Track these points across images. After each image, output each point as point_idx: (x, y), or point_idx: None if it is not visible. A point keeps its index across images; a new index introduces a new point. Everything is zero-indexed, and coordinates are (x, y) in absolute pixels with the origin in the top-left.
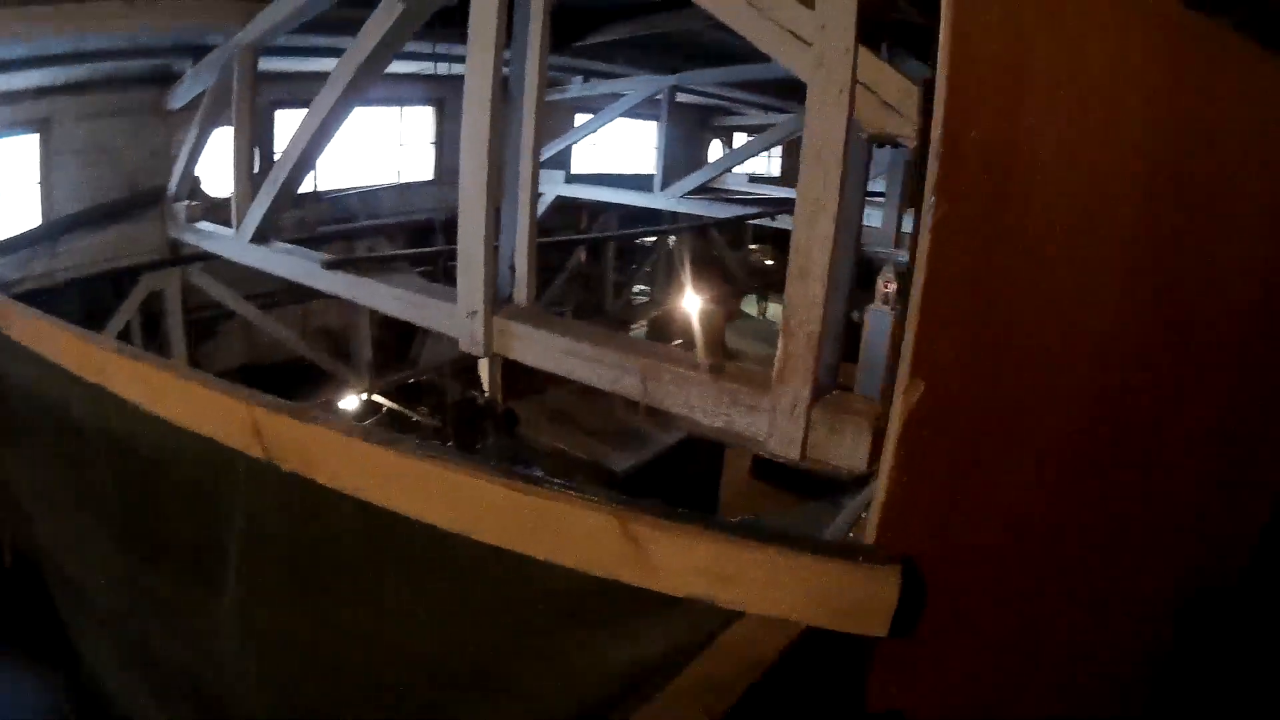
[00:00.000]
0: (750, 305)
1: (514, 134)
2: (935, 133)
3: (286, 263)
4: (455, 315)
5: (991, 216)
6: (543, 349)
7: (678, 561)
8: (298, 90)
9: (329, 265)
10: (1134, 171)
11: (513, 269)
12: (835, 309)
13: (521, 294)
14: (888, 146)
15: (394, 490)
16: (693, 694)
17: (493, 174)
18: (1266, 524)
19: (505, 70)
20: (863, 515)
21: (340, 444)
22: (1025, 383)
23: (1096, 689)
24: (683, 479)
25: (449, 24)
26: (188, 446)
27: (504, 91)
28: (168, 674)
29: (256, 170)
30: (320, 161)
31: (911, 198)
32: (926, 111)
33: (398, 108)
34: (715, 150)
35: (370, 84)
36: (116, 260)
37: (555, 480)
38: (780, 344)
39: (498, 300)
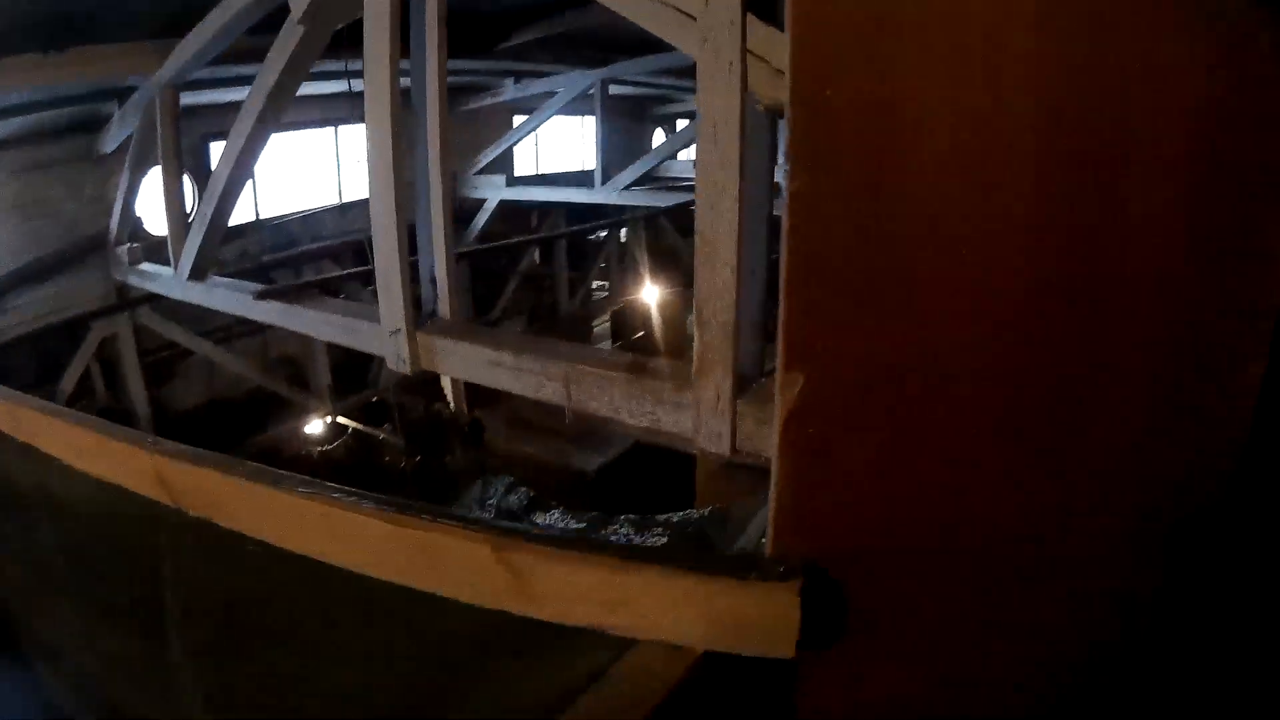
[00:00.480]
0: None
1: (420, 145)
2: (787, 95)
3: (223, 296)
4: (381, 335)
5: (864, 184)
6: (466, 362)
7: (561, 590)
8: (228, 122)
9: (260, 296)
10: (1031, 122)
11: (434, 283)
12: (750, 295)
13: (445, 308)
14: None
15: (286, 530)
16: None
17: (400, 188)
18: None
19: (406, 82)
20: None
21: (233, 486)
22: (923, 364)
23: (1048, 673)
24: (656, 472)
25: (358, 41)
26: (115, 501)
27: (407, 103)
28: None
29: (194, 205)
30: (260, 190)
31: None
32: None
33: (332, 128)
34: (659, 139)
35: (285, 108)
36: (65, 311)
37: (436, 509)
38: (695, 337)
39: (421, 316)
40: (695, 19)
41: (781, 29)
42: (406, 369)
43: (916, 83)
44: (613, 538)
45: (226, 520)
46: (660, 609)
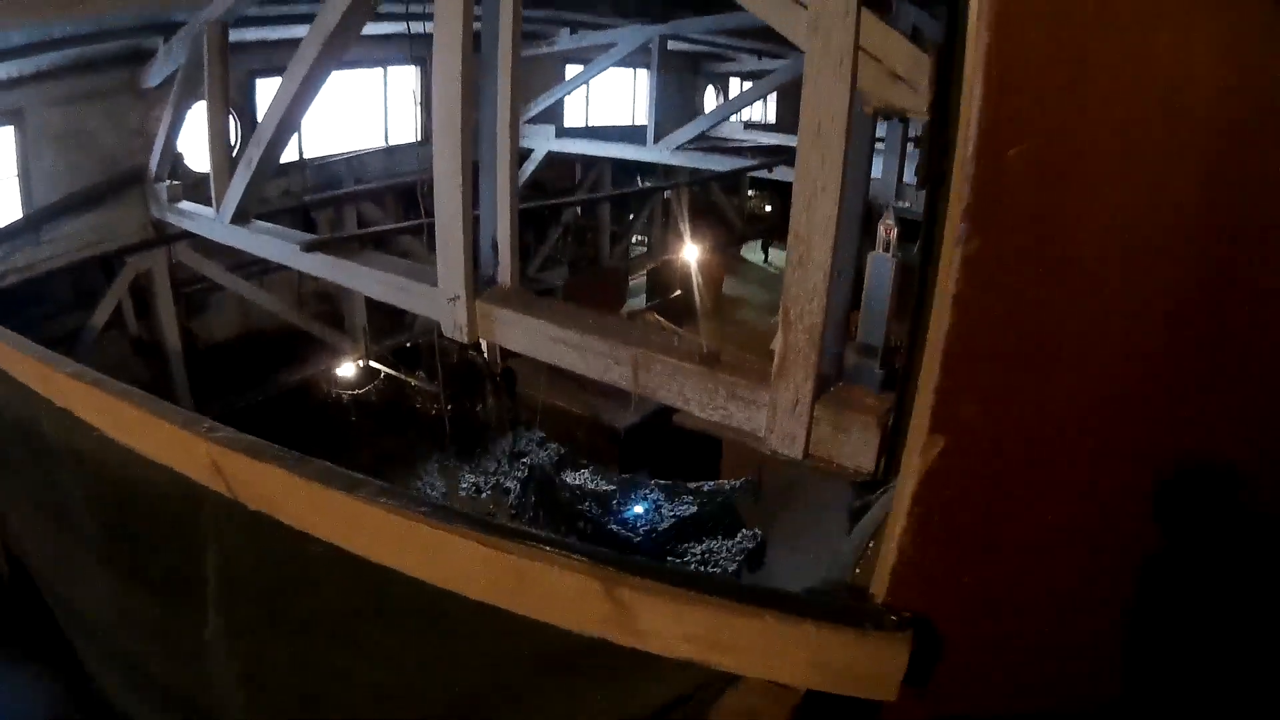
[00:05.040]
0: (752, 252)
1: (488, 99)
2: (965, 150)
3: (267, 243)
4: (437, 299)
5: (1036, 248)
6: (528, 336)
7: (667, 627)
8: (276, 59)
9: (307, 247)
10: (1197, 194)
11: (495, 247)
12: (839, 297)
13: (505, 274)
14: None
15: (358, 537)
16: None
17: (467, 145)
18: None
19: (477, 27)
20: (870, 546)
21: (300, 487)
22: (1057, 437)
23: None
24: (684, 434)
25: None
26: (156, 475)
27: (477, 50)
28: (163, 686)
29: (237, 143)
30: (305, 129)
31: (919, 170)
32: (939, 81)
33: (381, 69)
34: (709, 98)
35: (343, 51)
36: (100, 245)
37: (537, 534)
38: (780, 336)
39: (480, 282)
40: (805, 6)
41: (895, 26)
42: (464, 338)
43: (1092, 150)
44: (641, 501)
45: (290, 519)
46: (771, 652)
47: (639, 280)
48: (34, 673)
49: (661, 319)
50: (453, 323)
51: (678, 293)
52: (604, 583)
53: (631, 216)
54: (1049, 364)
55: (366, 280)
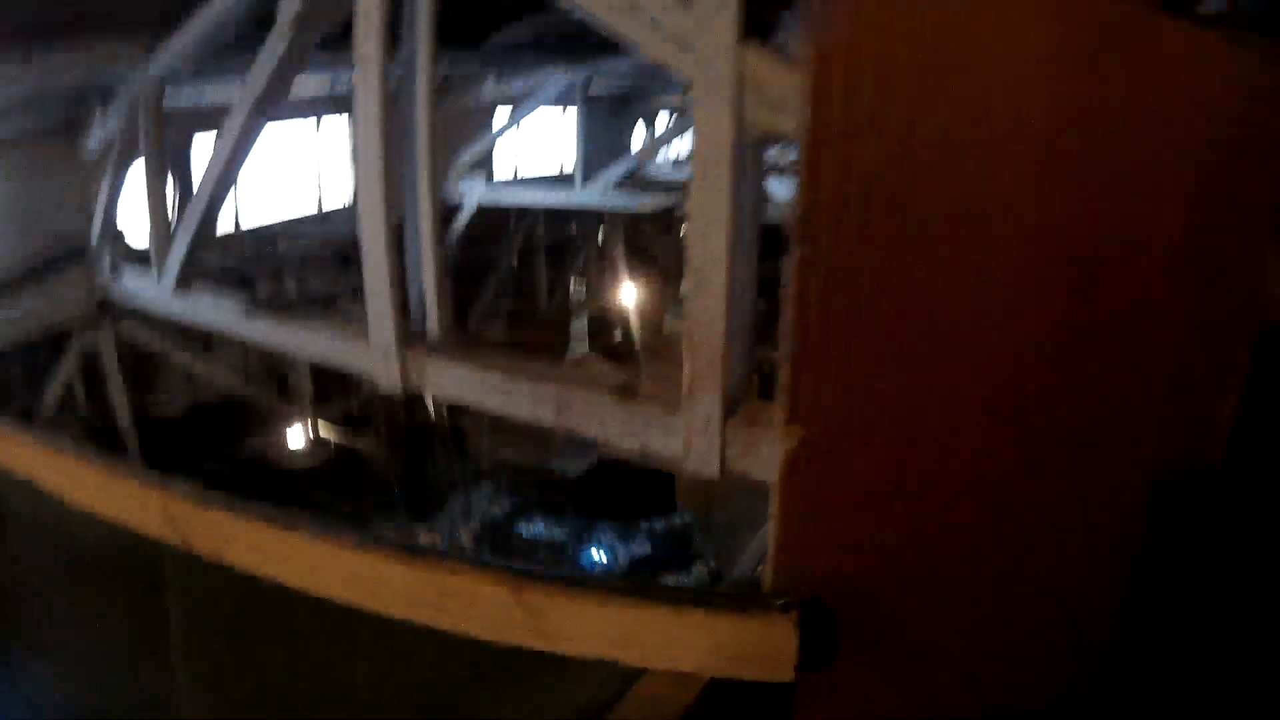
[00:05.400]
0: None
1: (408, 152)
2: (803, 156)
3: (210, 312)
4: (370, 354)
5: (870, 256)
6: (457, 383)
7: (575, 627)
8: (208, 123)
9: (251, 313)
10: (1034, 176)
11: (422, 299)
12: (739, 319)
13: (434, 325)
14: None
15: (300, 573)
16: None
17: (389, 201)
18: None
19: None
20: None
21: (243, 528)
22: (920, 411)
23: (1032, 687)
24: (638, 474)
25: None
26: (113, 534)
27: (396, 106)
28: None
29: (174, 208)
30: (242, 200)
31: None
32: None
33: (314, 125)
34: (640, 132)
35: (273, 110)
36: (48, 322)
37: (452, 553)
38: (686, 362)
39: (410, 335)
40: (695, 48)
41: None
42: (398, 391)
43: (925, 152)
44: (596, 545)
45: (236, 561)
46: (669, 642)
47: (580, 323)
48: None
49: (602, 364)
50: (386, 377)
51: (618, 336)
52: (514, 589)
53: (567, 263)
54: (891, 355)
55: (304, 343)
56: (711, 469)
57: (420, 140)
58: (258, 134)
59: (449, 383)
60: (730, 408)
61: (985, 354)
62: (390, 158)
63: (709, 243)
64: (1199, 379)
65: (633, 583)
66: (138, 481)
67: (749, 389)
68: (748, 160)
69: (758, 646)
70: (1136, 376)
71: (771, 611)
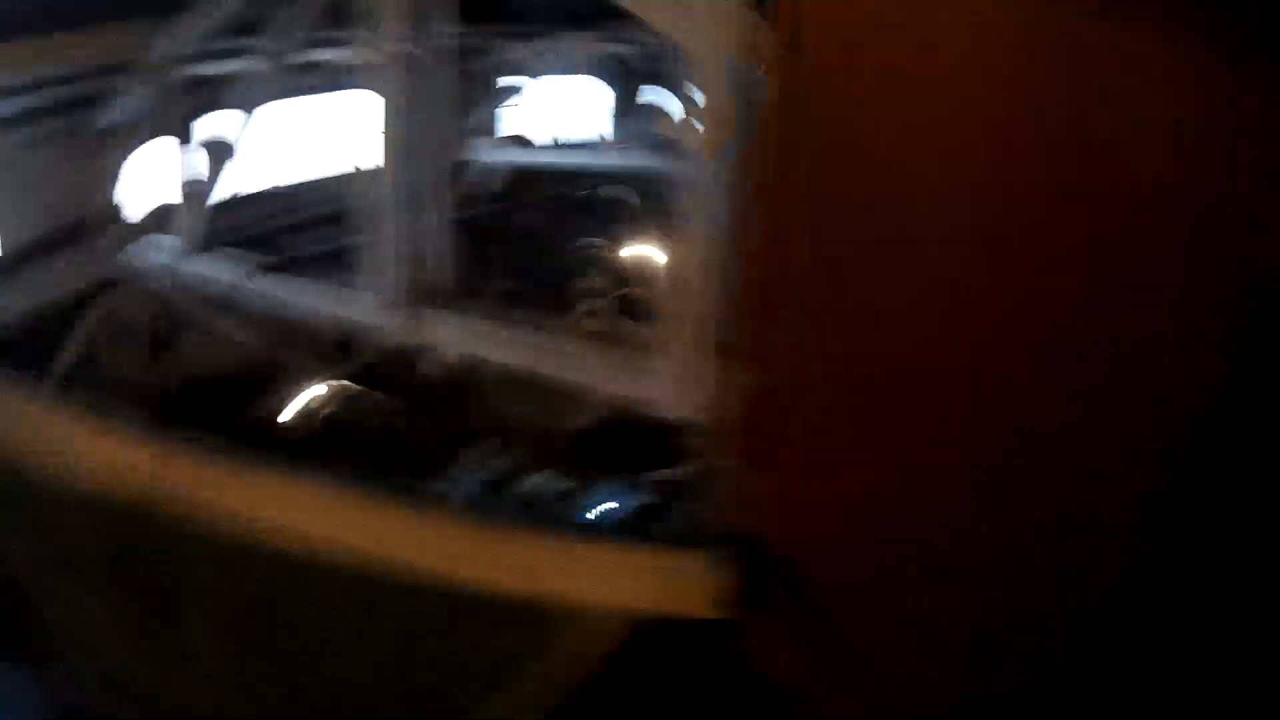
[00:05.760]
0: None
1: (421, 112)
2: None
3: (221, 270)
4: (376, 307)
5: (823, 198)
6: (460, 336)
7: (530, 563)
8: (225, 94)
9: (256, 270)
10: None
11: (428, 255)
12: (718, 271)
13: (438, 278)
14: None
15: (273, 509)
16: (533, 689)
17: (400, 161)
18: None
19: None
20: None
21: (224, 473)
22: (870, 365)
23: (992, 646)
24: (644, 429)
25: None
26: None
27: (413, 69)
28: (146, 693)
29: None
30: (262, 161)
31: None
32: None
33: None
34: (653, 94)
35: (286, 78)
36: (66, 287)
37: (410, 489)
38: (666, 309)
39: (415, 289)
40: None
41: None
42: (402, 340)
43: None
44: (603, 497)
45: (220, 503)
46: (615, 579)
47: (602, 286)
48: (25, 677)
49: (617, 316)
50: (391, 329)
51: (638, 292)
52: (474, 527)
53: (594, 224)
54: (837, 303)
55: (311, 296)
56: (686, 411)
57: (435, 102)
58: (268, 103)
59: (449, 334)
60: (707, 355)
61: (946, 311)
62: (404, 121)
63: (697, 200)
64: (1192, 345)
65: (581, 523)
66: (126, 432)
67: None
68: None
69: (696, 581)
70: (1126, 340)
71: (713, 550)
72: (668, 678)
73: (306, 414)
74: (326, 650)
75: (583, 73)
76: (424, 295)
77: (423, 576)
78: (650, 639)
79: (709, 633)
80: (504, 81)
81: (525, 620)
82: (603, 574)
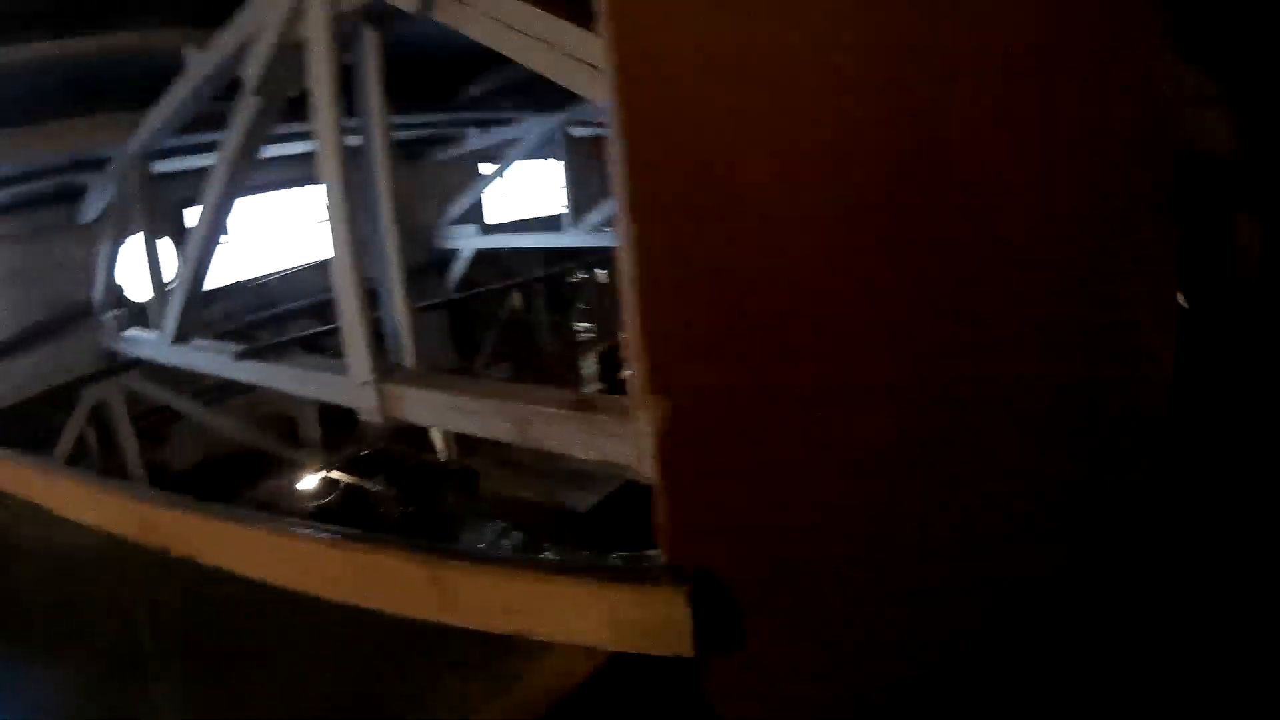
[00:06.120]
0: None
1: (371, 202)
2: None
3: (205, 359)
4: (350, 387)
5: (702, 227)
6: (431, 408)
7: (485, 601)
8: (203, 187)
9: (239, 356)
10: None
11: (395, 335)
12: None
13: (408, 358)
14: None
15: (254, 562)
16: None
17: (355, 245)
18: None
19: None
20: None
21: (209, 525)
22: (789, 373)
23: (941, 664)
24: (647, 508)
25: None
26: (95, 546)
27: (357, 162)
28: None
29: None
30: (240, 252)
31: None
32: None
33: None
34: None
35: (250, 172)
36: (57, 378)
37: (377, 536)
38: (630, 372)
39: (386, 367)
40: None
41: None
42: (377, 419)
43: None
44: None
45: (205, 555)
46: (569, 614)
47: (589, 365)
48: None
49: (612, 399)
50: (365, 405)
51: (630, 373)
52: (428, 567)
53: (570, 304)
54: (742, 323)
55: (292, 380)
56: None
57: (381, 193)
58: (238, 195)
59: (424, 408)
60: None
61: (841, 304)
62: (355, 212)
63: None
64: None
65: (536, 559)
66: (118, 490)
67: None
68: None
69: (653, 619)
70: (1029, 275)
71: (661, 583)
72: (628, 715)
73: (304, 502)
74: (286, 685)
75: (545, 155)
76: (393, 375)
77: (401, 611)
78: (611, 676)
79: (669, 671)
80: (475, 167)
81: (485, 656)
82: (566, 609)
